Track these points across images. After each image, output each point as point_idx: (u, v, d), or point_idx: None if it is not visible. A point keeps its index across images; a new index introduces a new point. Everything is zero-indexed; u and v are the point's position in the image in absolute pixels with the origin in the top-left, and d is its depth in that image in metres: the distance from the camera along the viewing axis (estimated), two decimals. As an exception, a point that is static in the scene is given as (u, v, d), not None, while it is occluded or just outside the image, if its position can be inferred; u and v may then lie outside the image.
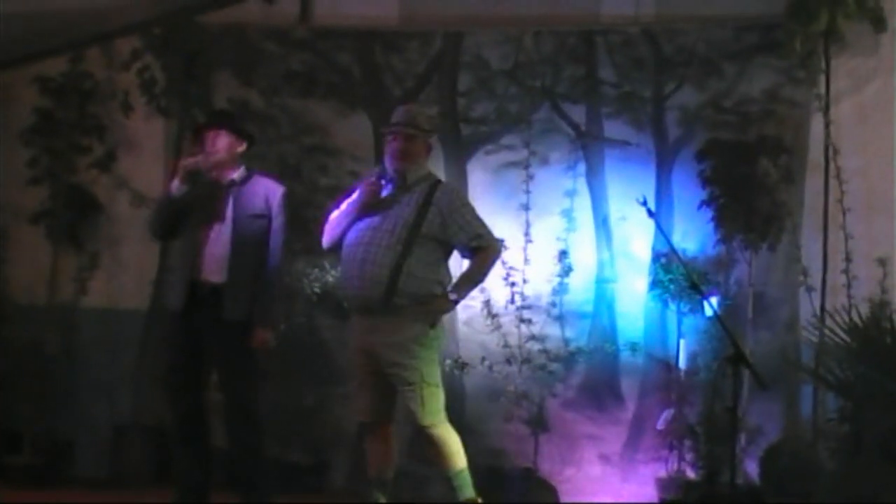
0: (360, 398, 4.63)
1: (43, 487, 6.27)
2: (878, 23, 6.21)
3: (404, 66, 7.04)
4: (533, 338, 6.48)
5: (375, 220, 4.52)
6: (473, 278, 4.65)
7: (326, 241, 4.71)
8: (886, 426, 5.36)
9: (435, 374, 4.50)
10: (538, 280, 6.52)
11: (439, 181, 4.72)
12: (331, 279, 6.50)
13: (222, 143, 4.78)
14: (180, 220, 4.74)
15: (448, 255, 4.62)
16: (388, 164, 4.65)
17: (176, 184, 4.71)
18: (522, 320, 6.50)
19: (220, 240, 4.69)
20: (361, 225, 4.54)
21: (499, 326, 6.47)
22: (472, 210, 4.64)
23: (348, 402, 6.66)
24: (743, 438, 6.03)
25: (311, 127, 7.01)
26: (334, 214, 4.68)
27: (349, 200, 4.65)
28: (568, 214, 6.64)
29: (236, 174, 4.82)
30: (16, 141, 6.94)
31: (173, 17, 6.88)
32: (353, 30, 7.07)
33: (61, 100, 6.95)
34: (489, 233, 4.63)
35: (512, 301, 6.49)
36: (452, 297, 4.54)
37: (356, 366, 4.63)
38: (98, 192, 7.04)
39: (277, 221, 4.79)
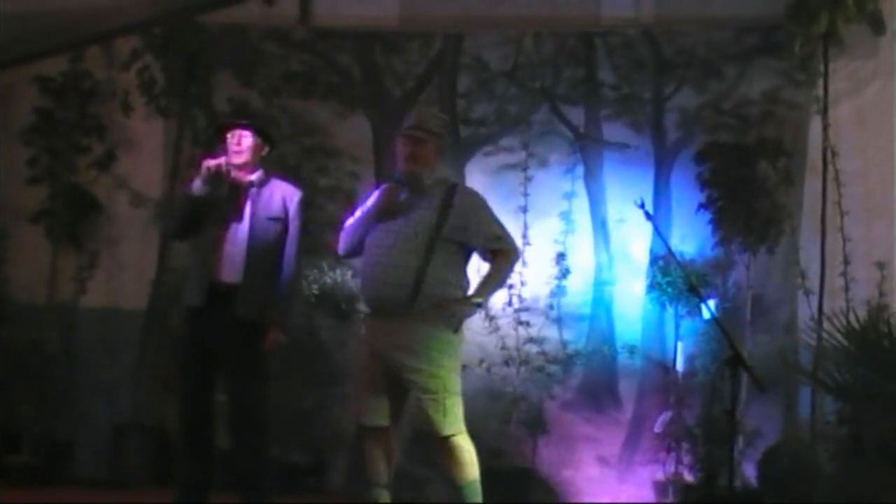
0: (367, 401, 4.53)
1: (42, 487, 6.27)
2: (878, 25, 6.21)
3: (404, 67, 7.04)
4: (531, 340, 6.49)
5: (395, 223, 4.49)
6: (495, 281, 4.59)
7: (343, 247, 4.67)
8: (885, 428, 5.35)
9: (456, 383, 4.44)
10: (536, 282, 6.52)
11: (456, 184, 4.71)
12: (329, 280, 6.50)
13: (247, 143, 4.75)
14: (199, 219, 4.70)
15: (468, 258, 4.59)
16: (402, 168, 4.59)
17: (197, 183, 4.66)
18: (520, 322, 6.51)
19: (236, 240, 4.67)
20: (381, 229, 4.51)
21: (497, 328, 6.47)
22: (492, 212, 4.60)
23: (348, 403, 6.69)
24: (741, 441, 6.04)
25: (310, 128, 7.01)
26: (350, 221, 4.65)
27: (364, 207, 4.62)
28: (566, 216, 6.64)
29: (254, 176, 4.78)
30: (16, 140, 6.94)
31: (173, 18, 6.86)
32: (353, 30, 7.07)
33: (61, 99, 6.96)
34: (509, 235, 4.62)
35: (510, 303, 6.49)
36: (476, 300, 4.49)
37: (367, 369, 4.56)
38: (98, 192, 7.05)
39: (294, 225, 4.76)
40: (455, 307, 4.43)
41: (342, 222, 4.72)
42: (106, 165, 7.02)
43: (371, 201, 4.60)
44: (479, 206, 4.59)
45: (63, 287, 6.96)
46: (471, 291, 4.54)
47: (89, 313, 6.97)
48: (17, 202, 6.99)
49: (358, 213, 4.64)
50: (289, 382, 6.44)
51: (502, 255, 4.56)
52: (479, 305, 4.56)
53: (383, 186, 4.62)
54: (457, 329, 4.46)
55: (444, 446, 4.41)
